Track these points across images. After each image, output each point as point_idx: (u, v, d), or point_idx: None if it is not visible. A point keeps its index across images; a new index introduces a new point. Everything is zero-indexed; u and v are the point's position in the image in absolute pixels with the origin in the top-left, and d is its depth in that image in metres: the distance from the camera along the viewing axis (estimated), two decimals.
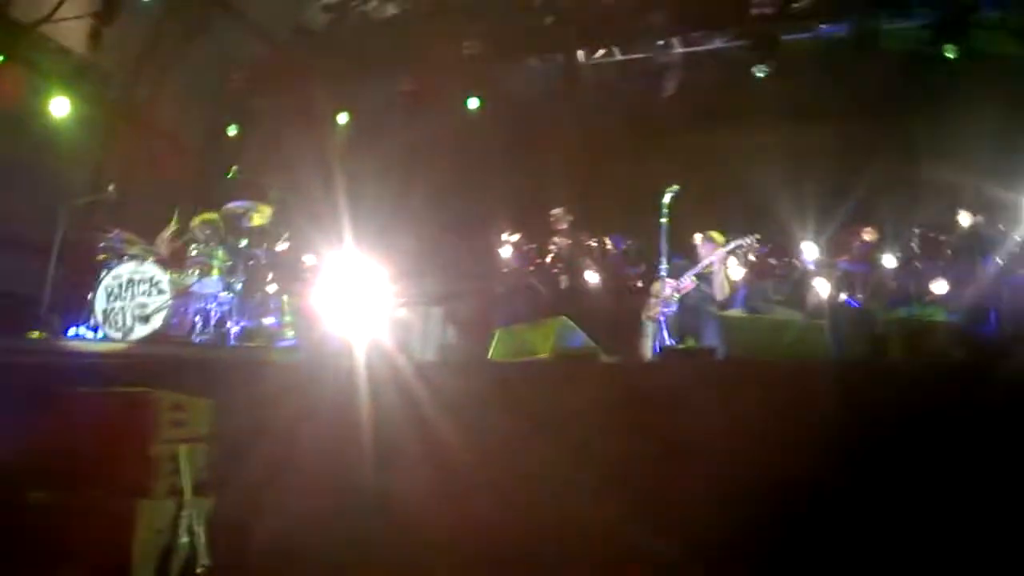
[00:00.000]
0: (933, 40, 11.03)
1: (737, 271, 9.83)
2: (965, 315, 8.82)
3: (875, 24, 11.08)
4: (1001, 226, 9.88)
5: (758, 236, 8.68)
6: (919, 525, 4.15)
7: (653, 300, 8.29)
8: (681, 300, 8.19)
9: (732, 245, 8.62)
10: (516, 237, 11.17)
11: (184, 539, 4.45)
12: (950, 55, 10.84)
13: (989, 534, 4.06)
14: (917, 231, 10.68)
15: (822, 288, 9.80)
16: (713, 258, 8.57)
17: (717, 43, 12.04)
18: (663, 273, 8.00)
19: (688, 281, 8.42)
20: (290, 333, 8.46)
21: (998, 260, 9.61)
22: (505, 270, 10.94)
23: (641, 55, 12.59)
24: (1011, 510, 4.07)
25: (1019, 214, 10.10)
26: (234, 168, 8.65)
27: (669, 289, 7.96)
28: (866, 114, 13.35)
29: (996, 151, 11.69)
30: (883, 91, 12.95)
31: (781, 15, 11.18)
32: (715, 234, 9.09)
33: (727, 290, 8.39)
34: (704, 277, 8.60)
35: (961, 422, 4.35)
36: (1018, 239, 9.54)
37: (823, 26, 11.39)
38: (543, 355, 5.97)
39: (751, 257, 10.00)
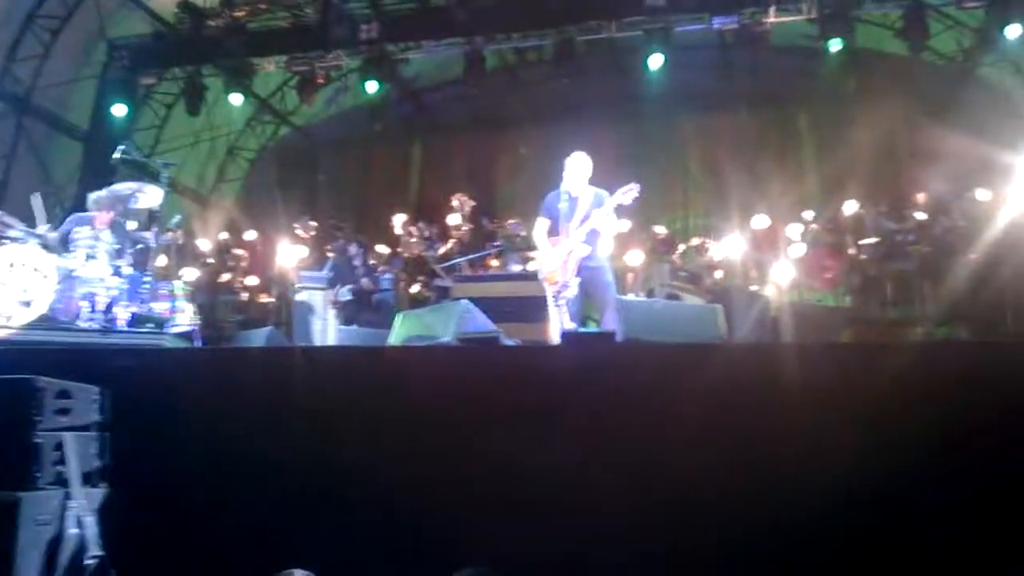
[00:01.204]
0: (819, 35, 11.46)
1: (637, 255, 10.06)
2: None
3: (763, 16, 11.40)
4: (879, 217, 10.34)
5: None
6: (807, 504, 4.29)
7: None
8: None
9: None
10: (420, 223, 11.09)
11: (73, 530, 4.28)
12: (834, 49, 11.25)
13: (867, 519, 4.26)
14: (809, 219, 11.12)
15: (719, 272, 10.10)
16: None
17: (614, 31, 12.17)
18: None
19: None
20: (183, 319, 8.20)
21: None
22: (405, 254, 10.87)
23: (538, 42, 12.61)
24: (885, 494, 4.27)
25: (905, 204, 10.66)
26: (121, 148, 8.27)
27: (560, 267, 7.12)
28: (757, 104, 13.89)
29: (880, 145, 12.34)
30: (773, 83, 13.48)
31: (673, 7, 11.37)
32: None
33: (609, 248, 7.52)
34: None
35: (848, 405, 4.53)
36: (895, 226, 10.03)
37: (715, 19, 11.64)
38: (445, 338, 5.94)
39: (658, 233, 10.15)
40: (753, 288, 9.79)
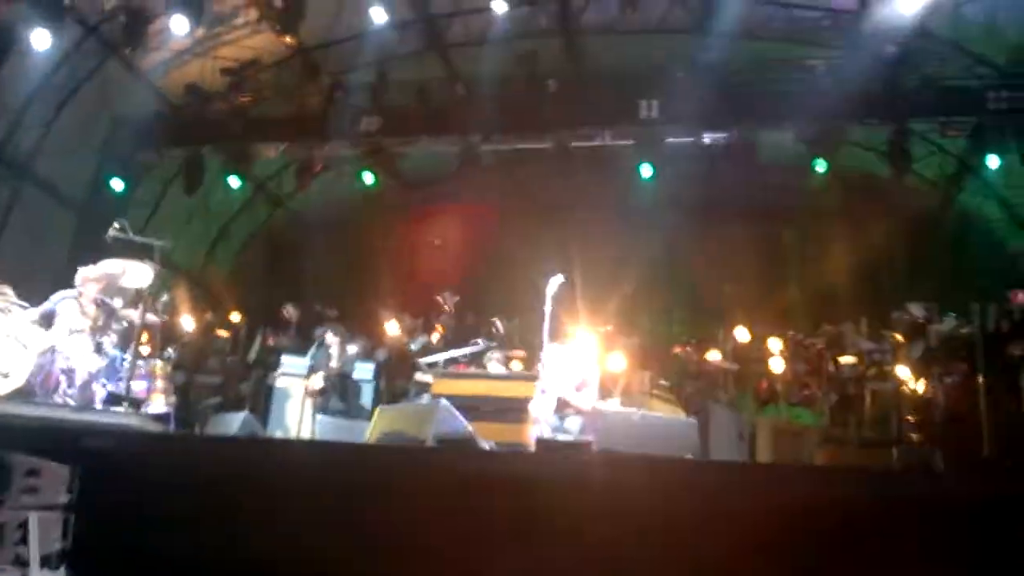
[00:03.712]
0: (806, 154, 11.80)
1: (619, 359, 10.12)
2: None
3: (753, 135, 11.75)
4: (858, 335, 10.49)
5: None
6: None
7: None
8: None
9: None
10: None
11: None
12: (820, 169, 11.57)
13: None
14: (790, 334, 11.26)
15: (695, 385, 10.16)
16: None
17: (607, 139, 12.51)
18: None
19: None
20: (160, 400, 8.18)
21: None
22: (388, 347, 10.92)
23: (537, 145, 12.93)
24: None
25: (884, 323, 10.81)
26: (115, 225, 8.36)
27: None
28: (744, 217, 14.20)
29: (861, 263, 12.61)
30: (760, 197, 13.81)
31: (666, 119, 11.71)
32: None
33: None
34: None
35: (816, 528, 4.53)
36: (872, 345, 10.17)
37: (705, 134, 11.99)
38: (422, 438, 5.96)
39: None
40: (730, 401, 9.83)
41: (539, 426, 6.77)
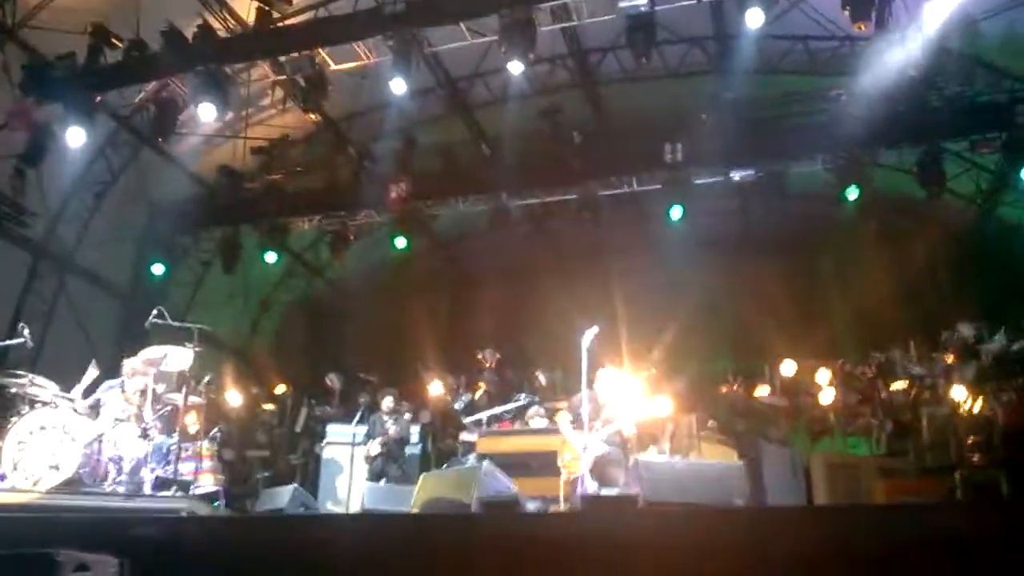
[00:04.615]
0: (836, 183, 11.69)
1: (665, 405, 10.00)
2: None
3: (781, 168, 11.69)
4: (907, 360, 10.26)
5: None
6: None
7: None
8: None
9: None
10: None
11: None
12: (852, 197, 11.44)
13: None
14: (838, 364, 11.05)
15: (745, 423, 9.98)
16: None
17: (635, 186, 12.54)
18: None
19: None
20: (208, 480, 8.24)
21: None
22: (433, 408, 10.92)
23: (562, 197, 13.00)
24: None
25: (933, 346, 10.57)
26: (154, 313, 8.53)
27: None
28: (779, 249, 14.06)
29: (904, 287, 12.37)
30: (794, 228, 13.68)
31: (691, 161, 11.70)
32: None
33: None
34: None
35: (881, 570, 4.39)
36: (922, 370, 9.93)
37: (733, 172, 11.95)
38: (467, 502, 5.91)
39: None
40: (783, 437, 9.63)
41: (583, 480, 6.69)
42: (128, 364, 8.28)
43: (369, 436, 10.33)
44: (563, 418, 7.51)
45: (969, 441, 9.14)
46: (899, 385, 10.05)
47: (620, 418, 7.20)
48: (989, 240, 13.18)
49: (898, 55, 10.77)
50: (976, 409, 9.18)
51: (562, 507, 6.51)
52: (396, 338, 14.62)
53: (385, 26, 9.97)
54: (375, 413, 10.64)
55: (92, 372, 8.37)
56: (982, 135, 11.37)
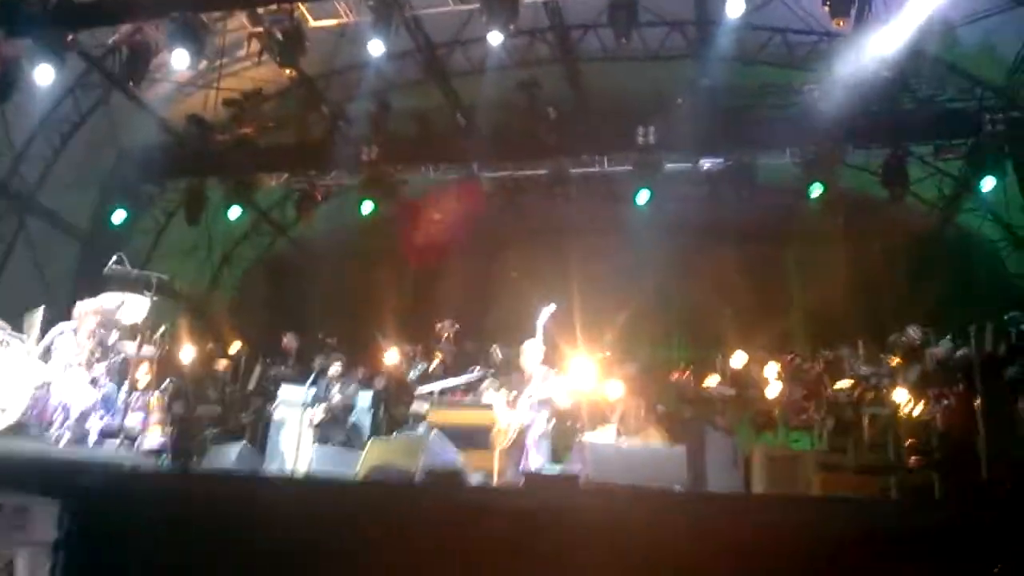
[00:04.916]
0: (804, 177, 11.82)
1: (616, 388, 10.12)
2: None
3: (751, 159, 11.79)
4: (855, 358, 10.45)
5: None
6: None
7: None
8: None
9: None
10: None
11: None
12: (815, 194, 11.57)
13: None
14: (787, 358, 11.22)
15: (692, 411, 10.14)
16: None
17: (606, 166, 12.58)
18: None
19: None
20: (157, 432, 8.22)
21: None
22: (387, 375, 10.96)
23: (533, 172, 13.00)
24: None
25: (881, 347, 10.77)
26: (113, 260, 8.45)
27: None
28: (743, 239, 14.20)
29: (861, 285, 12.56)
30: (759, 219, 13.81)
31: (663, 146, 11.75)
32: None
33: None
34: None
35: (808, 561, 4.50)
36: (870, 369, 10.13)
37: (703, 160, 12.03)
38: (412, 470, 5.98)
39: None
40: (728, 427, 9.81)
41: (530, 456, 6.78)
42: (80, 307, 8.17)
43: (315, 400, 10.32)
44: (491, 392, 7.60)
45: (907, 443, 9.37)
46: (844, 383, 10.25)
47: (550, 389, 7.27)
48: (946, 245, 13.43)
49: (874, 54, 10.89)
50: (916, 412, 9.40)
51: (495, 480, 6.63)
52: (358, 302, 14.60)
53: None
54: (325, 378, 10.66)
55: (39, 314, 8.25)
56: (948, 141, 11.54)
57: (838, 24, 9.70)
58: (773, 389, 10.41)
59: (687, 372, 11.57)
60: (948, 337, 9.74)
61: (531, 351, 7.70)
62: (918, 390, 9.48)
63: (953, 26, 11.06)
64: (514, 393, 7.39)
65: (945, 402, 9.05)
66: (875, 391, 9.98)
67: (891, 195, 11.73)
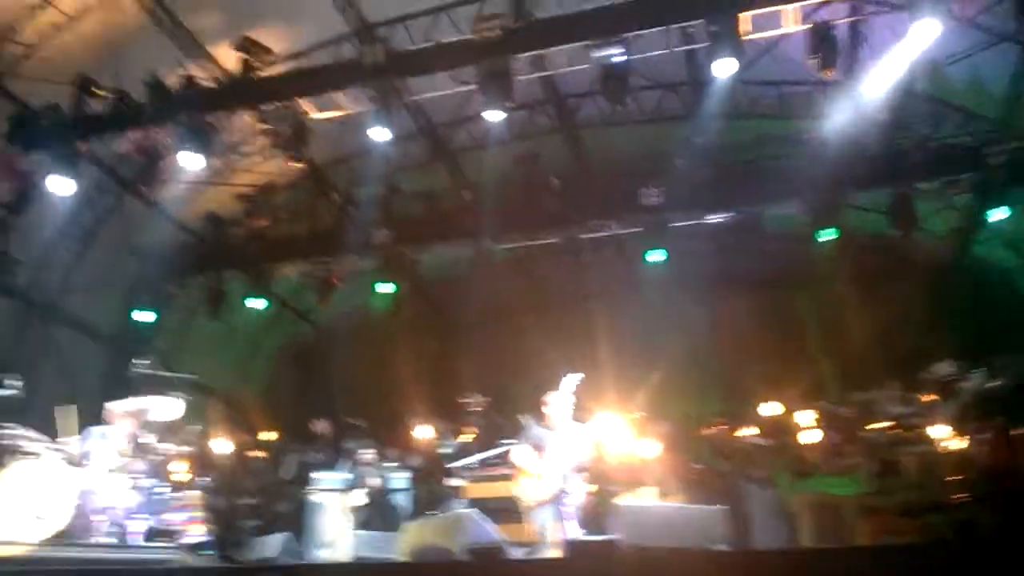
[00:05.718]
0: (811, 226, 11.92)
1: (652, 448, 10.06)
2: None
3: (756, 212, 11.92)
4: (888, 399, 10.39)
5: None
6: None
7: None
8: None
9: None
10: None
11: None
12: (827, 237, 11.64)
13: None
14: (821, 405, 11.16)
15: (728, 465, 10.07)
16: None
17: (615, 229, 12.75)
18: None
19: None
20: (198, 529, 8.24)
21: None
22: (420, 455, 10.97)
23: (543, 241, 13.18)
24: None
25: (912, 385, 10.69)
26: (140, 363, 8.59)
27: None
28: (758, 289, 14.25)
29: (883, 325, 12.53)
30: (772, 267, 13.88)
31: (668, 205, 11.91)
32: None
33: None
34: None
35: None
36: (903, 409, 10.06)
37: (708, 214, 12.17)
38: (451, 549, 5.98)
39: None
40: (766, 478, 9.72)
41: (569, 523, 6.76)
42: (112, 410, 8.25)
43: (353, 485, 10.33)
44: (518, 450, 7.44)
45: (950, 480, 9.23)
46: (881, 424, 10.16)
47: (584, 452, 7.19)
48: (963, 278, 13.41)
49: (867, 99, 11.06)
50: (957, 447, 9.29)
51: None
52: (384, 381, 14.67)
53: (364, 77, 10.17)
54: (358, 464, 10.67)
55: (73, 413, 8.32)
56: (950, 177, 11.64)
57: (827, 75, 9.85)
58: (810, 435, 10.34)
59: (721, 425, 11.52)
60: (980, 370, 9.69)
61: (557, 402, 7.60)
62: (957, 425, 9.38)
63: (940, 65, 11.27)
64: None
65: (985, 435, 8.94)
66: (911, 430, 9.88)
67: (902, 233, 11.80)
